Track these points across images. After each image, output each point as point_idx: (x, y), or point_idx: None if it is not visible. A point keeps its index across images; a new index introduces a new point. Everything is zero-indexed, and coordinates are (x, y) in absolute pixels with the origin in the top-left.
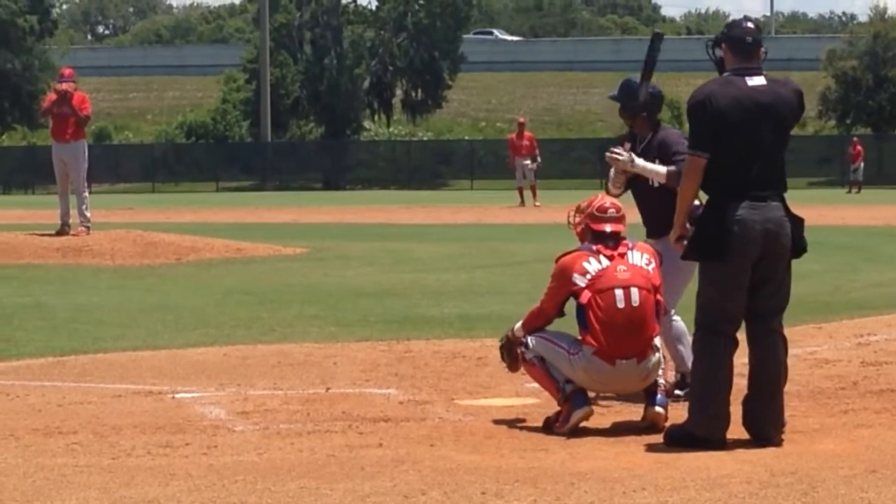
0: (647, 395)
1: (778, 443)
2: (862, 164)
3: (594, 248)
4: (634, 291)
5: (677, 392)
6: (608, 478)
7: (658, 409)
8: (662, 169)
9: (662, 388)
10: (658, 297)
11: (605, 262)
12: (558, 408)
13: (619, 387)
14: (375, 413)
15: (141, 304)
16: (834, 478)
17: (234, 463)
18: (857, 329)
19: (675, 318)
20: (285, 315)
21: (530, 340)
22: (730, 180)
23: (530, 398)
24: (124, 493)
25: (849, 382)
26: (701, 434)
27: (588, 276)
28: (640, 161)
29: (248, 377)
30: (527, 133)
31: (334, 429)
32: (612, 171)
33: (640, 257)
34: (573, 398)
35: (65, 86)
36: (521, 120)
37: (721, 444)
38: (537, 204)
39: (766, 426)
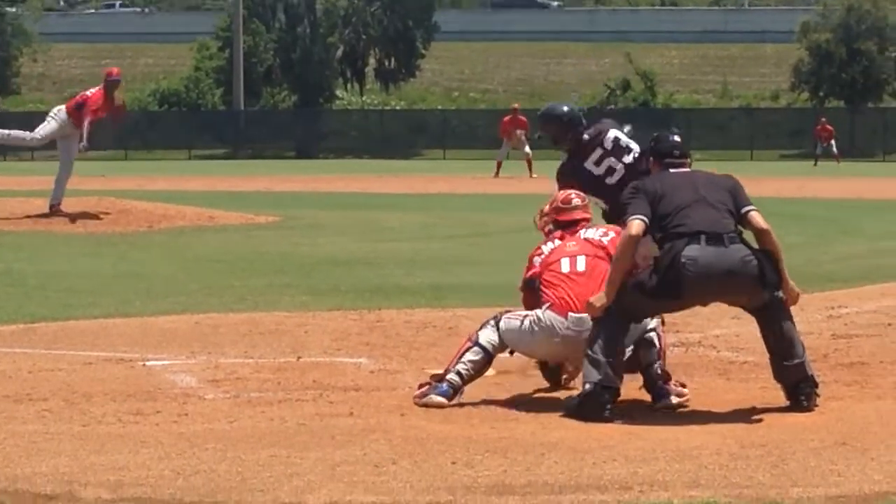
0: (652, 393)
1: (811, 403)
2: (833, 142)
3: (555, 234)
4: (581, 259)
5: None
6: (578, 448)
7: (672, 399)
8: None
9: (660, 372)
10: None
11: (559, 242)
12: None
13: (565, 347)
14: (346, 382)
15: (112, 272)
16: (804, 450)
17: (204, 431)
18: (827, 301)
19: None
20: (257, 283)
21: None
22: (676, 227)
23: (501, 369)
24: (95, 460)
25: (819, 355)
26: (595, 392)
27: (542, 256)
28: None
29: (219, 345)
30: (521, 118)
31: (305, 397)
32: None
33: (595, 231)
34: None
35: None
36: (516, 105)
37: (608, 412)
38: (534, 176)
39: (793, 387)
